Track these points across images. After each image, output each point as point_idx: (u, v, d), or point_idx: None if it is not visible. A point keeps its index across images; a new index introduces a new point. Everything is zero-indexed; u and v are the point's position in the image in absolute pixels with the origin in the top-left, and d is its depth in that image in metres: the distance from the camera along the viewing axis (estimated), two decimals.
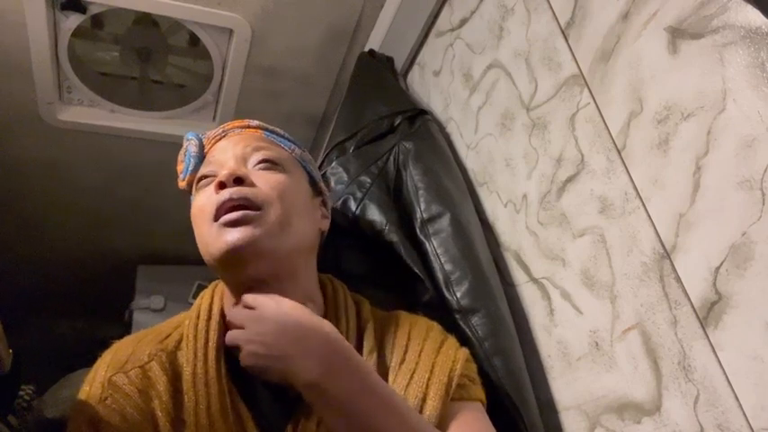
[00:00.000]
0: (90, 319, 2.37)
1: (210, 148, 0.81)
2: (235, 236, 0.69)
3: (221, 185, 0.72)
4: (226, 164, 0.76)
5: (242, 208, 0.70)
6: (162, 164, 1.60)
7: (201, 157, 0.80)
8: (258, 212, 0.71)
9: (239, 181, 0.72)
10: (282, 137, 0.84)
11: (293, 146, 0.84)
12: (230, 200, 0.71)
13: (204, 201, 0.74)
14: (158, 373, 0.69)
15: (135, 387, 0.67)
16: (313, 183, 0.84)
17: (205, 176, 0.77)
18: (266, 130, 0.84)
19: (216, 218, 0.71)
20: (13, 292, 2.02)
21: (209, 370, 0.68)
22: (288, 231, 0.73)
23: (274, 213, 0.72)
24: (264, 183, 0.74)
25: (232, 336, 0.69)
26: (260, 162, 0.77)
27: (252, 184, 0.73)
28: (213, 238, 0.71)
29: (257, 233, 0.69)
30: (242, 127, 0.83)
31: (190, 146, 0.81)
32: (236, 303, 0.73)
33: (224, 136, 0.82)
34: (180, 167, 0.82)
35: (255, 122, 0.84)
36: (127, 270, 2.08)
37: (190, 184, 0.80)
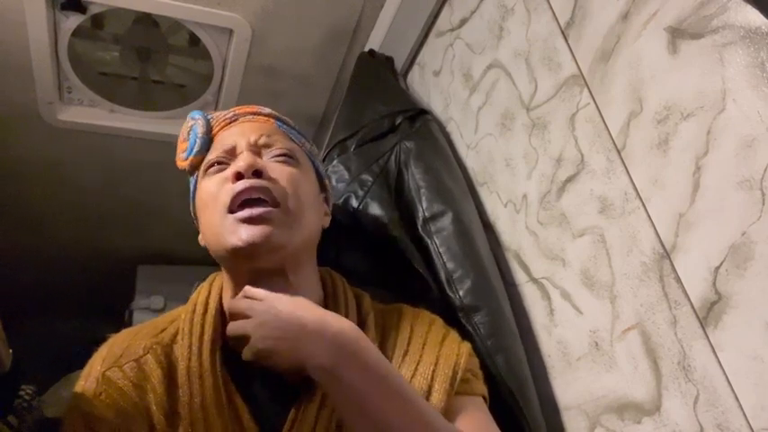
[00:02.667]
0: (90, 319, 2.37)
1: (219, 130, 0.79)
2: (252, 232, 0.68)
3: (239, 176, 0.71)
4: (239, 151, 0.75)
5: (260, 201, 0.70)
6: (162, 164, 1.59)
7: (209, 139, 0.79)
8: (276, 209, 0.70)
9: (257, 173, 0.72)
10: (293, 128, 0.83)
11: (303, 139, 0.83)
12: (250, 189, 0.70)
13: (216, 189, 0.73)
14: (153, 366, 0.68)
15: (129, 381, 0.67)
16: (319, 178, 0.84)
17: (217, 163, 0.75)
18: (278, 119, 0.82)
19: (231, 209, 0.70)
20: (13, 292, 2.02)
21: (204, 363, 0.68)
22: (300, 226, 0.73)
23: (291, 208, 0.72)
24: (281, 175, 0.74)
25: (236, 326, 0.68)
26: (277, 155, 0.76)
27: (269, 177, 0.73)
28: (227, 230, 0.70)
29: (273, 231, 0.69)
30: (253, 113, 0.81)
31: (196, 125, 0.79)
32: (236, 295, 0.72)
33: (234, 120, 0.80)
34: (183, 146, 0.80)
35: (267, 110, 0.83)
36: (127, 270, 2.08)
37: (192, 166, 0.79)
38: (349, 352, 0.64)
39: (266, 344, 0.65)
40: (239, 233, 0.69)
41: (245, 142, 0.76)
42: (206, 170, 0.76)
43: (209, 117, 0.80)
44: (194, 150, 0.78)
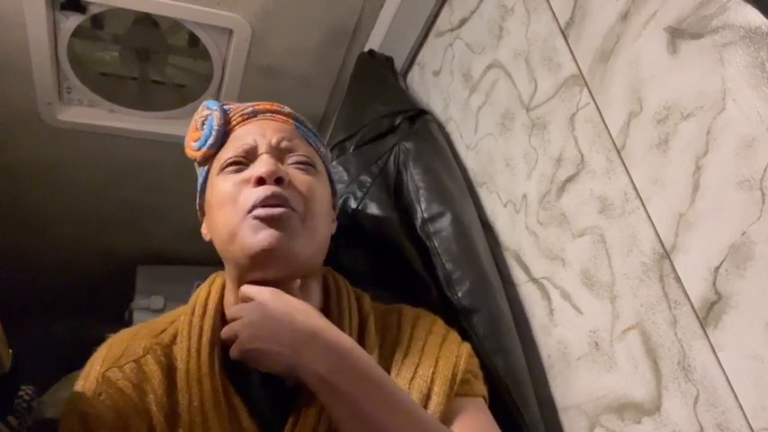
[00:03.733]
0: (90, 319, 2.37)
1: (236, 125, 0.78)
2: (270, 235, 0.68)
3: (261, 181, 0.70)
4: (260, 152, 0.74)
5: (280, 206, 0.70)
6: (162, 164, 1.60)
7: (225, 132, 0.77)
8: (294, 213, 0.70)
9: (279, 180, 0.71)
10: (311, 131, 0.82)
11: (319, 143, 0.82)
12: (271, 197, 0.69)
13: (235, 191, 0.72)
14: (153, 367, 0.68)
15: (129, 382, 0.67)
16: (331, 184, 0.83)
17: (236, 163, 0.74)
18: (297, 120, 0.81)
19: (251, 210, 0.70)
20: (13, 292, 2.02)
21: (203, 366, 0.67)
22: (314, 235, 0.73)
23: (307, 219, 0.72)
24: (300, 184, 0.73)
25: (226, 329, 0.69)
26: (298, 162, 0.75)
27: (290, 185, 0.72)
28: (246, 232, 0.69)
29: (289, 238, 0.69)
30: (273, 111, 0.80)
31: (212, 117, 0.77)
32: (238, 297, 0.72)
33: (253, 116, 0.78)
34: (195, 135, 0.78)
35: (287, 109, 0.81)
36: (127, 270, 2.08)
37: (204, 157, 0.77)
38: (344, 361, 0.64)
39: (254, 344, 0.65)
40: (258, 235, 0.68)
41: (266, 144, 0.75)
42: (222, 168, 0.75)
43: (226, 108, 0.79)
44: (209, 142, 0.76)
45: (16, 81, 1.34)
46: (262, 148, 0.74)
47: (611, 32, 0.75)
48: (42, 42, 1.25)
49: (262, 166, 0.71)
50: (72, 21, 1.25)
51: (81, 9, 1.23)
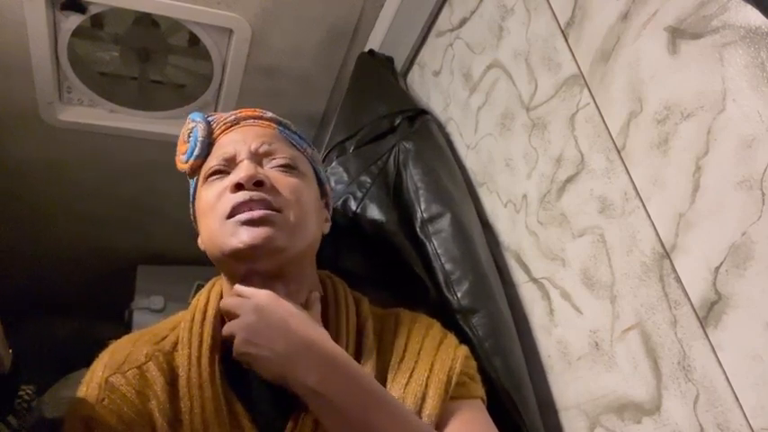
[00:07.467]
0: (90, 319, 2.37)
1: (220, 134, 0.79)
2: (254, 234, 0.69)
3: (239, 186, 0.71)
4: (239, 160, 0.75)
5: (261, 208, 0.70)
6: (162, 164, 1.60)
7: (209, 142, 0.78)
8: (278, 213, 0.71)
9: (259, 183, 0.72)
10: (295, 133, 0.83)
11: (305, 144, 0.83)
12: (250, 201, 0.70)
13: (215, 198, 0.73)
14: (155, 373, 0.68)
15: (132, 388, 0.67)
16: (320, 184, 0.84)
17: (218, 171, 0.75)
18: (280, 124, 0.82)
19: (230, 216, 0.70)
20: (13, 292, 2.02)
21: (203, 373, 0.67)
22: (302, 233, 0.73)
23: (292, 218, 0.72)
24: (283, 186, 0.74)
25: (226, 327, 0.69)
26: (279, 165, 0.76)
27: (271, 188, 0.72)
28: (227, 234, 0.70)
29: (275, 233, 0.70)
30: (255, 117, 0.81)
31: (197, 129, 0.79)
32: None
33: (236, 124, 0.80)
34: (183, 148, 0.80)
35: (269, 114, 0.82)
36: (127, 270, 2.08)
37: (192, 169, 0.79)
38: (336, 374, 0.64)
39: (248, 349, 0.65)
40: (240, 235, 0.69)
41: (246, 150, 0.75)
42: (206, 178, 0.76)
43: (209, 119, 0.80)
44: (194, 154, 0.78)
45: (16, 81, 1.34)
46: (242, 155, 0.75)
47: (611, 32, 0.75)
48: (42, 42, 1.25)
49: (241, 171, 0.72)
50: (72, 21, 1.25)
51: (81, 9, 1.23)
